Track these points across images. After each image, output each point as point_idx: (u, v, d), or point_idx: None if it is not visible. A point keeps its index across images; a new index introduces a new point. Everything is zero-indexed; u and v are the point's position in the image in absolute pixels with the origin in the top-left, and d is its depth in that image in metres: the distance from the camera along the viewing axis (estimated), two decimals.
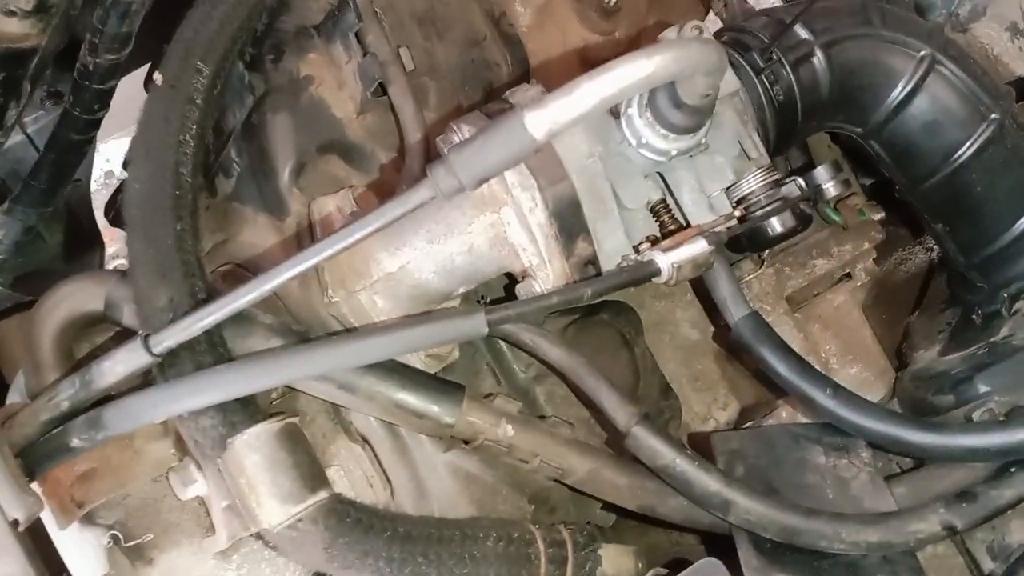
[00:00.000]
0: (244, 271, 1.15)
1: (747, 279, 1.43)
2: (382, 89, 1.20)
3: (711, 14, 1.66)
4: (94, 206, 1.75)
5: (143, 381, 0.92)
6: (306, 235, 1.14)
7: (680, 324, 1.46)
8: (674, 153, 1.08)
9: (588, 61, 1.49)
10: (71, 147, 1.34)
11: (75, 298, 0.98)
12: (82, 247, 1.72)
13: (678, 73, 0.87)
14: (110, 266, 1.95)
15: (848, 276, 1.50)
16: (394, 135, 1.23)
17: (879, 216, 1.49)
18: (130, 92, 1.32)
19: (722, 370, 1.44)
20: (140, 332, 0.87)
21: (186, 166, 1.00)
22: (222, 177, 1.23)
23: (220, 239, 1.22)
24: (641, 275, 1.03)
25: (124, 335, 0.96)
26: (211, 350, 0.89)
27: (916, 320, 1.49)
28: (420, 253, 1.07)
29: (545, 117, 0.82)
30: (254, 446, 0.86)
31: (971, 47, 1.41)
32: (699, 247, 1.06)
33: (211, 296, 0.90)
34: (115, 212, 1.54)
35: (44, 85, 1.41)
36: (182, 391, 0.85)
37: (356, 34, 1.19)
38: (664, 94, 1.02)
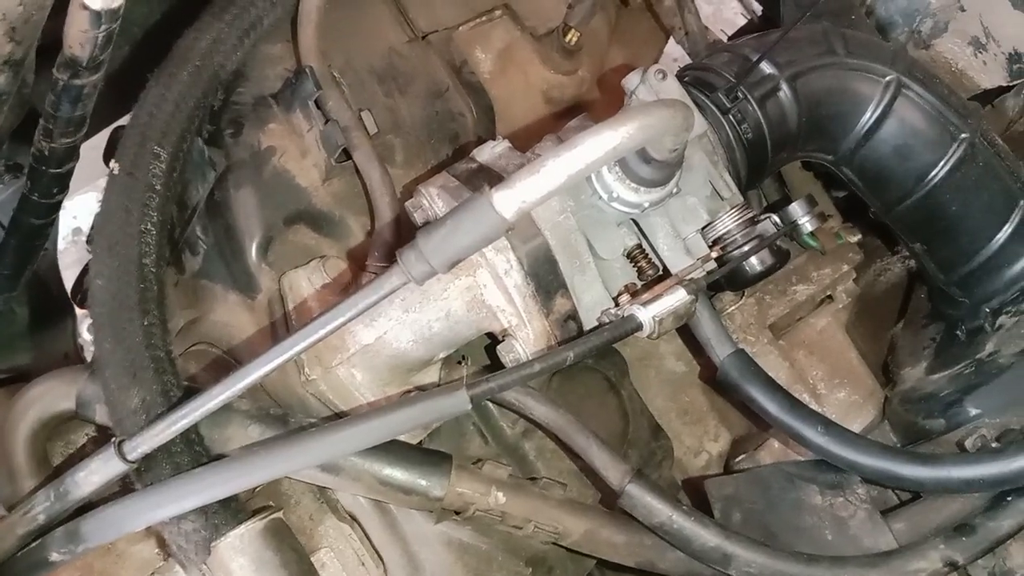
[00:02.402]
0: (215, 351, 1.13)
1: (729, 311, 1.41)
2: (346, 154, 1.19)
3: (671, 41, 1.65)
4: (61, 266, 1.72)
5: (121, 486, 0.90)
6: (278, 311, 1.12)
7: (665, 357, 1.45)
8: (646, 205, 1.06)
9: (553, 101, 1.48)
10: (33, 231, 1.31)
11: (45, 399, 0.96)
12: (53, 314, 1.68)
13: (645, 141, 0.86)
14: (83, 327, 1.91)
15: (829, 298, 1.49)
16: (362, 198, 1.21)
17: (856, 238, 1.48)
18: (94, 145, 1.29)
19: (711, 401, 1.43)
20: (114, 439, 0.85)
21: (150, 256, 0.98)
22: (189, 254, 1.21)
23: (191, 316, 1.20)
24: (623, 332, 1.01)
25: (99, 431, 0.94)
26: (188, 450, 0.87)
27: (900, 335, 1.48)
28: (396, 323, 1.05)
29: (513, 197, 0.80)
30: (239, 548, 0.84)
31: (935, 63, 1.40)
32: (679, 297, 1.05)
33: (185, 393, 0.88)
34: (82, 295, 1.51)
35: (2, 160, 1.39)
36: (161, 498, 0.83)
37: (316, 101, 1.16)
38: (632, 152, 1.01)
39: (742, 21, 1.70)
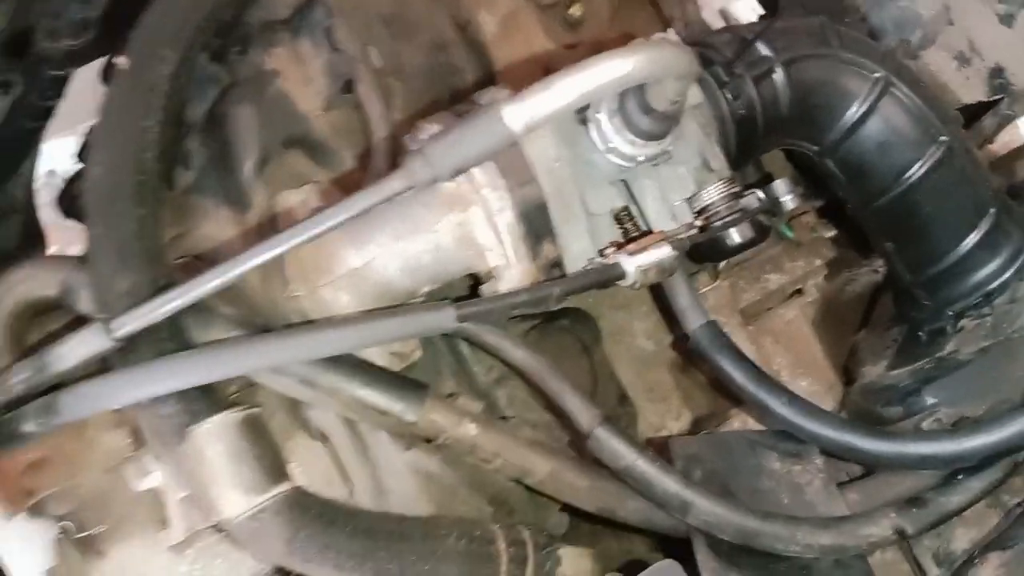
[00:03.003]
0: (202, 264, 1.13)
1: (703, 291, 1.44)
2: (349, 88, 1.20)
3: (671, 31, 1.69)
4: (37, 204, 1.70)
5: (99, 369, 0.89)
6: (269, 229, 1.12)
7: (636, 335, 1.47)
8: (640, 159, 1.09)
9: (552, 71, 1.50)
10: (22, 135, 1.30)
11: (28, 283, 0.95)
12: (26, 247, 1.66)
13: (653, 74, 0.89)
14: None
15: (799, 292, 1.53)
16: (359, 134, 1.22)
17: (830, 234, 1.52)
18: (77, 88, 1.29)
19: (676, 381, 1.45)
20: (100, 316, 0.85)
21: (151, 151, 0.98)
22: (181, 169, 1.21)
23: (178, 232, 1.19)
24: (608, 277, 1.04)
25: (79, 324, 0.93)
26: (173, 337, 0.87)
27: (863, 338, 1.52)
28: (386, 250, 1.06)
29: (523, 110, 0.82)
30: (216, 435, 0.84)
31: (920, 73, 1.46)
32: (664, 252, 1.08)
33: (173, 284, 0.88)
34: (70, 200, 1.49)
35: None
36: (143, 377, 0.83)
37: (325, 30, 1.18)
38: (634, 100, 1.04)
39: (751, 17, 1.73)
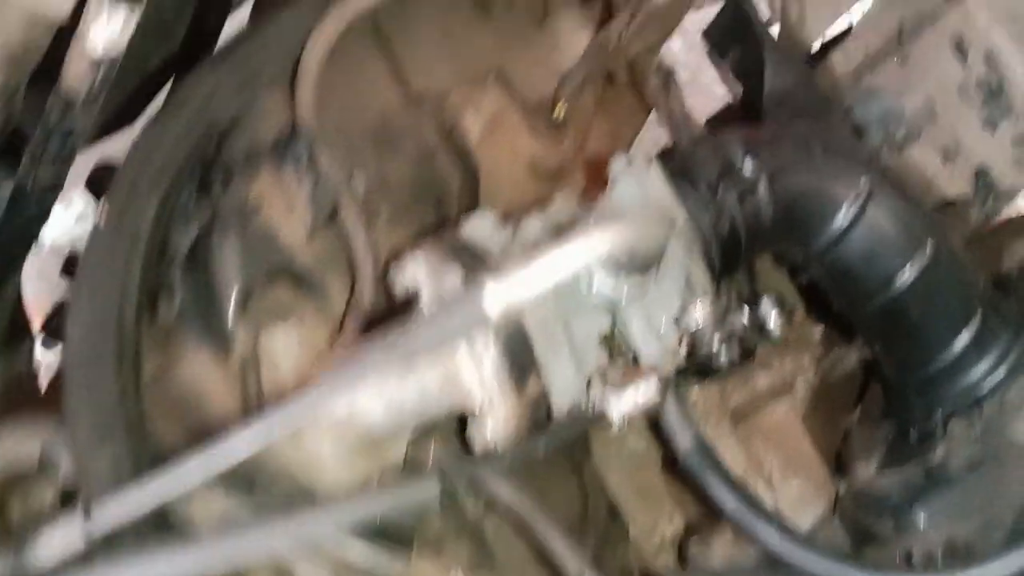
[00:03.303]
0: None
1: (691, 395, 1.44)
2: (334, 213, 1.20)
3: (653, 119, 1.68)
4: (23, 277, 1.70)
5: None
6: (251, 372, 1.12)
7: (627, 435, 1.47)
8: (624, 292, 1.09)
9: (537, 169, 1.50)
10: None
11: (8, 455, 0.94)
12: (14, 331, 1.66)
13: (633, 248, 0.88)
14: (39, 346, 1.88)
15: (789, 387, 1.53)
16: (344, 259, 1.22)
17: (818, 330, 1.52)
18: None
19: (668, 482, 1.45)
20: (80, 503, 0.84)
21: (130, 310, 0.99)
22: (165, 299, 1.20)
23: (161, 362, 1.19)
24: (592, 424, 1.04)
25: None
26: (154, 521, 0.86)
27: (855, 428, 1.52)
28: (370, 399, 1.05)
29: (502, 296, 0.82)
30: None
31: (906, 168, 1.45)
32: (647, 392, 1.08)
33: (156, 459, 0.88)
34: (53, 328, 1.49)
35: None
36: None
37: (308, 159, 1.17)
38: None
39: (719, 88, 1.73)
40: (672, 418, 1.24)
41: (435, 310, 0.83)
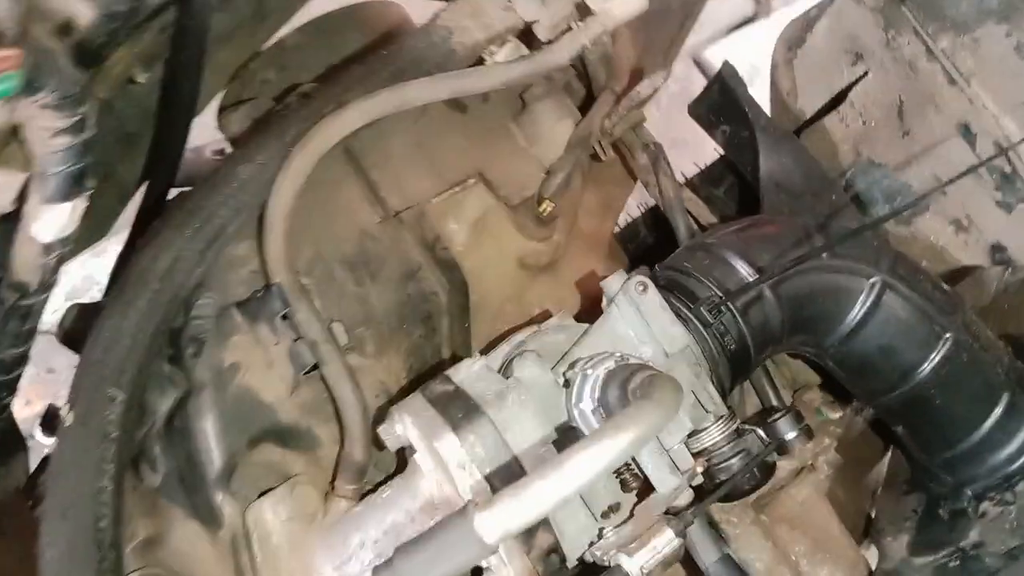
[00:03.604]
0: None
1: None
2: (315, 365, 1.13)
3: (638, 182, 1.60)
4: None
5: None
6: (243, 547, 1.06)
7: None
8: None
9: (527, 266, 1.43)
10: None
11: None
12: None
13: (635, 452, 0.81)
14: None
15: (811, 466, 1.46)
16: (330, 405, 1.15)
17: (838, 415, 1.45)
18: None
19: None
20: None
21: (106, 519, 0.93)
22: (148, 468, 1.14)
23: (149, 530, 1.12)
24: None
25: None
26: None
27: (882, 497, 1.46)
28: (366, 567, 1.01)
29: (496, 524, 0.75)
30: None
31: (915, 239, 1.38)
32: (666, 540, 1.01)
33: None
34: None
35: None
36: None
37: (283, 316, 1.11)
38: (615, 393, 0.98)
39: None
40: (693, 535, 1.18)
41: (427, 544, 0.76)
